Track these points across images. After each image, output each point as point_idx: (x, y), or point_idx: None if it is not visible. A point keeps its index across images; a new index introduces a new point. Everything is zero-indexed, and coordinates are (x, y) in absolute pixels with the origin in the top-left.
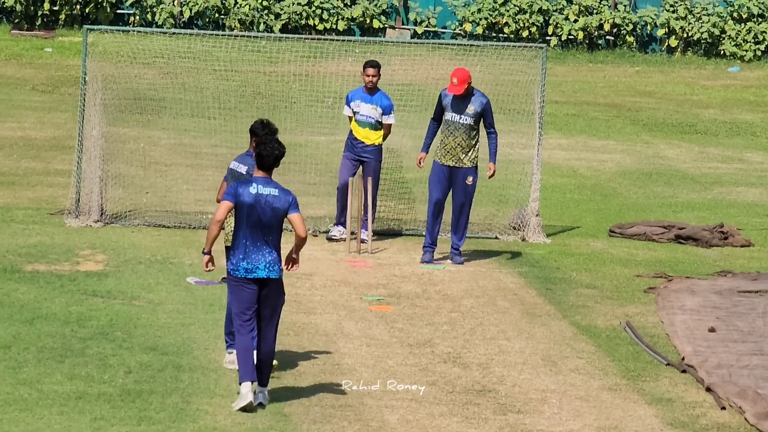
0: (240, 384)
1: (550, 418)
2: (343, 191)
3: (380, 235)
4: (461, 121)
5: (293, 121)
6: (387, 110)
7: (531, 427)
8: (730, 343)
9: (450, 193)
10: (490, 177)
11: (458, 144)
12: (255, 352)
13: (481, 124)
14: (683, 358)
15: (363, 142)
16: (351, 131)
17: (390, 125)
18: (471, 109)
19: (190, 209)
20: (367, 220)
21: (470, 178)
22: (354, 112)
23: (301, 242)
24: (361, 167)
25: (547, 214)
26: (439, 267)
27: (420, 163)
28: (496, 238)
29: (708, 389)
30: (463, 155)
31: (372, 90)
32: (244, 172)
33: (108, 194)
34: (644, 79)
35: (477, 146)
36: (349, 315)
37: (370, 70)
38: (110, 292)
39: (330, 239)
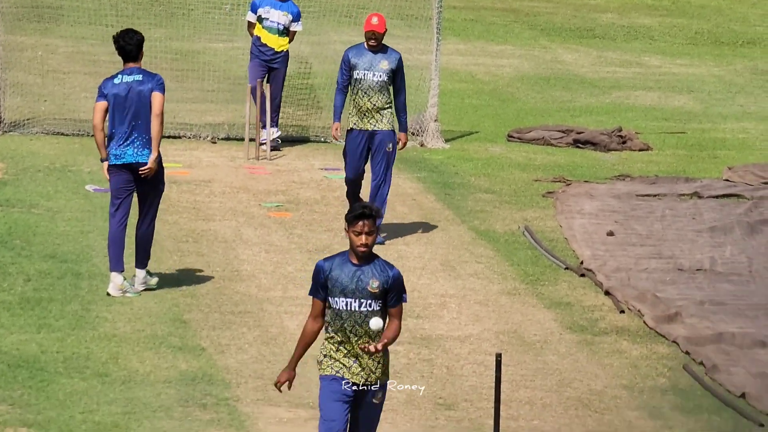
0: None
1: (450, 323)
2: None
3: (282, 141)
4: (375, 78)
5: (191, 29)
6: (297, 17)
7: (430, 332)
8: (628, 246)
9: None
10: (401, 149)
11: (374, 105)
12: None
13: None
14: (582, 262)
15: (273, 49)
16: (258, 38)
17: (295, 32)
18: (385, 64)
19: (88, 117)
20: (265, 125)
21: (390, 145)
22: (262, 18)
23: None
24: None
25: (446, 119)
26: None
27: (336, 132)
28: None
29: (607, 293)
30: (382, 116)
31: None
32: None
33: (6, 103)
34: None
35: (392, 107)
36: (248, 221)
37: None
38: (9, 200)
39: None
